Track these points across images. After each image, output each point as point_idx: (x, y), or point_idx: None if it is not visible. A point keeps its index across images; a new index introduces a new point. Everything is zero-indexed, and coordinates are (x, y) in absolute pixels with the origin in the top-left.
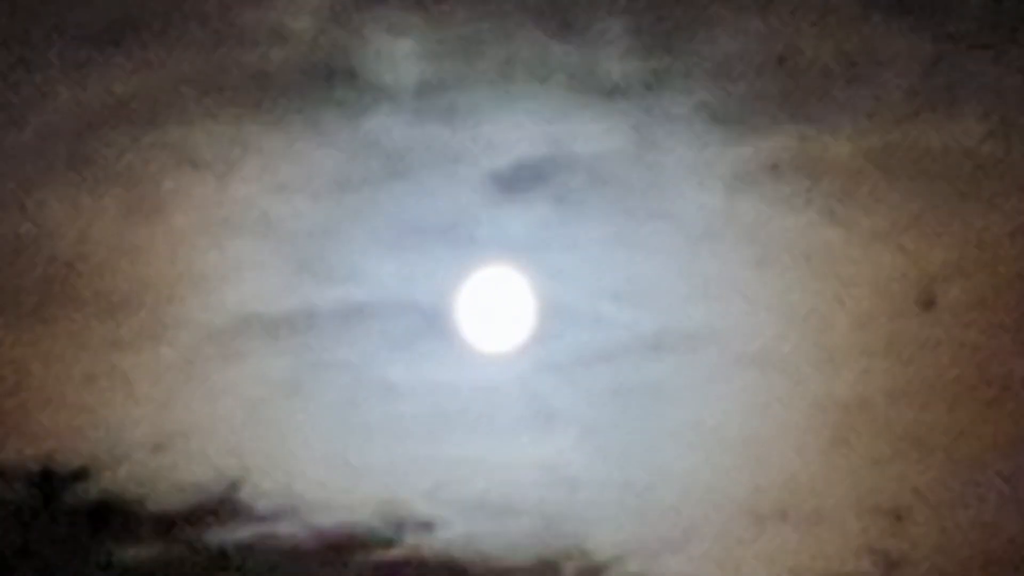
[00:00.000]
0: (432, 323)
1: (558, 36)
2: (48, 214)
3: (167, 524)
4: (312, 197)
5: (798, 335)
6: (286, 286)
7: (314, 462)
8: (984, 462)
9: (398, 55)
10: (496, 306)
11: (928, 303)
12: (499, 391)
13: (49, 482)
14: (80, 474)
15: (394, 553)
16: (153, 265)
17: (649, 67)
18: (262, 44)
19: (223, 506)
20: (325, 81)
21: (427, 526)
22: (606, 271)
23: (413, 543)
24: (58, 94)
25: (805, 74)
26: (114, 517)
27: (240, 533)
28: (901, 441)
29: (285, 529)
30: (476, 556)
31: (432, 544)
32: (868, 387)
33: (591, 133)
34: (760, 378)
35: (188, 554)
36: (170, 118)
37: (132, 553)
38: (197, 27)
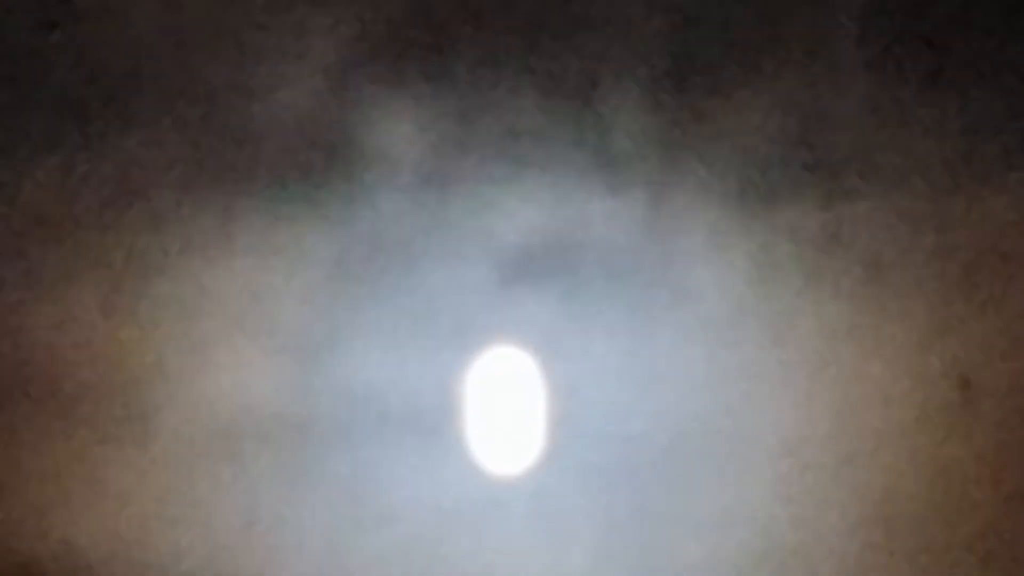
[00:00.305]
0: (433, 430)
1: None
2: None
3: None
4: (305, 292)
5: (825, 425)
6: (274, 386)
7: None
8: None
9: (396, 138)
10: (499, 414)
11: (965, 386)
12: (501, 506)
13: None
14: None
15: None
16: (132, 362)
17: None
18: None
19: None
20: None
21: None
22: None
23: None
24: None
25: (830, 143)
26: None
27: None
28: (950, 546)
29: None
30: None
31: None
32: (904, 478)
33: (601, 215)
34: (788, 470)
35: None
36: (151, 200)
37: None
38: (180, 103)
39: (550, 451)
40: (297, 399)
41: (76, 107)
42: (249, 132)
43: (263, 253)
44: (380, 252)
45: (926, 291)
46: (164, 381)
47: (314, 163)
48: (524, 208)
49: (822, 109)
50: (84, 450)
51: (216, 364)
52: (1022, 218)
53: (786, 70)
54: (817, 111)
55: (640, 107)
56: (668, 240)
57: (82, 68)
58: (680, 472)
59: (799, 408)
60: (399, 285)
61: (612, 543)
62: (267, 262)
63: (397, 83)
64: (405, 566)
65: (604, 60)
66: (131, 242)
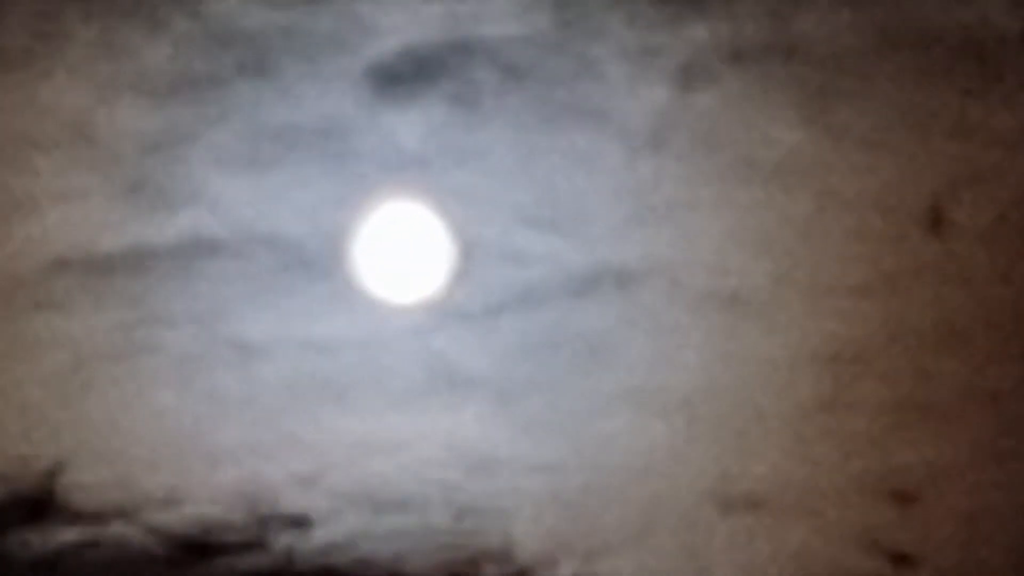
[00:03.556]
0: (300, 262)
1: None
2: None
3: None
4: (143, 102)
5: (771, 268)
6: (111, 218)
7: (152, 445)
8: (1016, 428)
9: None
10: (381, 238)
11: (935, 222)
12: (389, 348)
13: None
14: None
15: (259, 558)
16: None
17: None
18: None
19: (36, 504)
20: None
21: (301, 523)
22: (522, 190)
23: (284, 545)
24: None
25: None
26: None
27: (59, 537)
28: (906, 402)
29: (117, 531)
30: (364, 561)
31: (308, 546)
32: (863, 332)
33: (501, 11)
34: (724, 324)
35: None
36: None
37: None
38: None
39: (435, 279)
40: (135, 232)
41: None
42: None
43: (90, 66)
44: (230, 59)
45: (893, 109)
46: None
47: None
48: (405, 8)
49: None
50: None
51: (38, 196)
52: (1011, 18)
53: None
54: None
55: None
56: (579, 47)
57: None
58: (593, 327)
59: (737, 250)
60: (254, 96)
61: (511, 397)
62: (95, 77)
63: None
64: (268, 410)
65: None
66: None
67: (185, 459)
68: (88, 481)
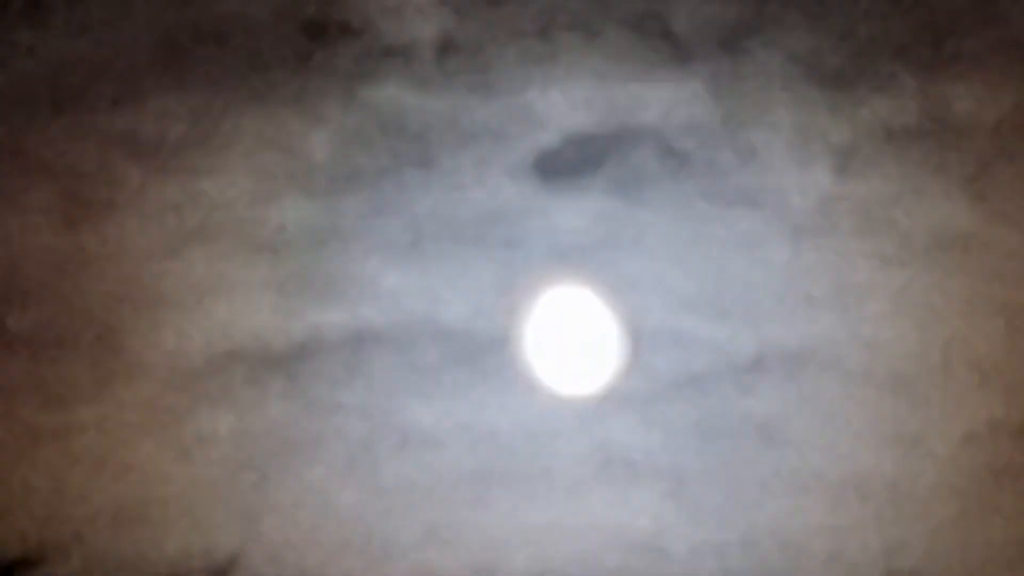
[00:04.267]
0: (466, 350)
1: None
2: None
3: None
4: (307, 194)
5: (933, 347)
6: (277, 310)
7: (326, 537)
8: None
9: (412, 4)
10: (547, 326)
11: None
12: (558, 436)
13: None
14: (22, 563)
15: None
16: (103, 288)
17: (732, 10)
18: None
19: None
20: (317, 40)
21: None
22: (687, 275)
23: None
24: None
25: (934, 14)
26: None
27: None
28: None
29: None
30: None
31: None
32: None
33: (660, 99)
34: (889, 403)
35: None
36: (117, 94)
37: None
38: None
39: (602, 366)
40: (301, 324)
41: None
42: (230, 7)
43: (252, 158)
44: (392, 150)
45: None
46: (140, 313)
47: (308, 43)
48: (567, 97)
49: None
50: (47, 400)
51: (202, 291)
52: None
53: None
54: None
55: None
56: (738, 132)
57: None
58: (760, 411)
59: (902, 332)
60: (419, 184)
61: (679, 482)
62: (257, 169)
63: None
64: (439, 500)
65: None
66: (90, 146)
67: (358, 551)
68: (259, 574)
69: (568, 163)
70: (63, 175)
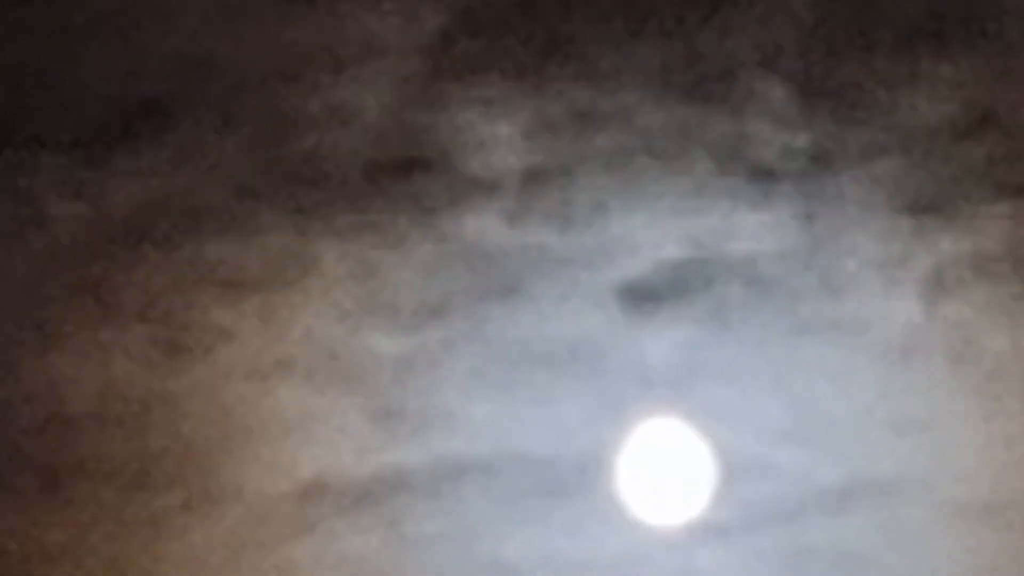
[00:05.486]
0: (554, 481)
1: (699, 105)
2: (54, 360)
3: None
4: (392, 325)
5: None
6: (364, 441)
7: None
8: None
9: (495, 138)
10: (635, 456)
11: None
12: (647, 566)
13: None
14: None
15: None
16: (191, 422)
17: (816, 139)
18: (319, 130)
19: None
20: (401, 173)
21: None
22: (775, 404)
23: None
24: (56, 206)
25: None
26: None
27: None
28: None
29: None
30: None
31: None
32: None
33: (749, 226)
34: (979, 534)
35: None
36: (204, 230)
37: None
38: (235, 112)
39: (692, 496)
40: (388, 456)
41: (109, 125)
42: (315, 144)
43: (337, 290)
44: (477, 281)
45: None
46: (228, 444)
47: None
48: (654, 221)
49: (1007, 94)
50: (137, 530)
51: (289, 423)
52: None
53: (963, 57)
54: (1003, 96)
55: (785, 103)
56: (824, 256)
57: None
58: (848, 526)
59: (993, 461)
60: (505, 314)
61: None
62: (343, 301)
63: (499, 77)
64: None
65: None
66: (179, 282)
67: None
68: None
69: (655, 291)
70: (149, 313)
